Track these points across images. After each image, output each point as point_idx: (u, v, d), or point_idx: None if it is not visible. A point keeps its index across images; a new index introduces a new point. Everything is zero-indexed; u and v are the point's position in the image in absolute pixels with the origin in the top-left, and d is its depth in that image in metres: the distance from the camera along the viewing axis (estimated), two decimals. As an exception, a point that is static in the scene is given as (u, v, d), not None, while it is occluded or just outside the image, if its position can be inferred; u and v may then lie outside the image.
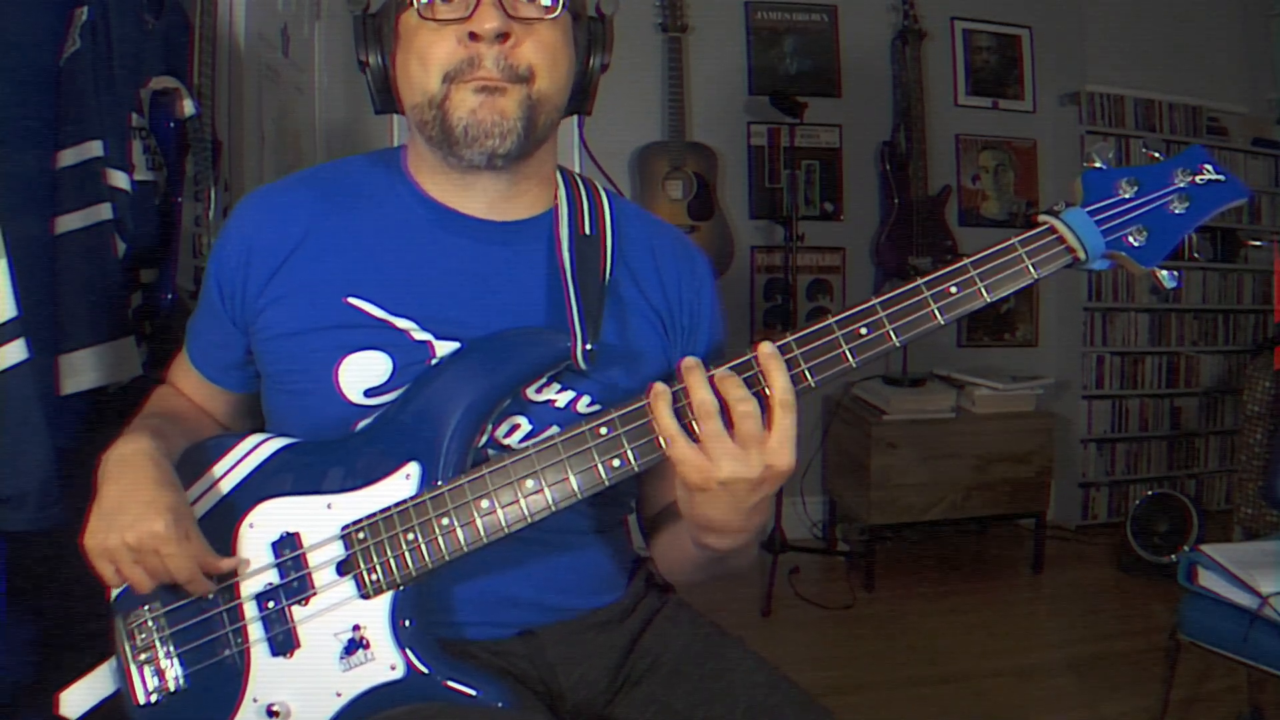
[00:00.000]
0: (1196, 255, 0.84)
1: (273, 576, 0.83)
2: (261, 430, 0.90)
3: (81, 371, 1.21)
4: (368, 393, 0.86)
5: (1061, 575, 3.04)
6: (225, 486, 0.86)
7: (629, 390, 0.89)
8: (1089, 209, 0.80)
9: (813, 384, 0.79)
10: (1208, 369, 3.55)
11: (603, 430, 0.80)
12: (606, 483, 0.80)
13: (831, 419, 3.15)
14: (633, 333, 0.93)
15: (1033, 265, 0.80)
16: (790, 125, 2.96)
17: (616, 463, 0.79)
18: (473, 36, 0.82)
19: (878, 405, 2.96)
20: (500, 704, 0.81)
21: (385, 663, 0.81)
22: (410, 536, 0.81)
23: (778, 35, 3.27)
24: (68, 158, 1.22)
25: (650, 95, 3.12)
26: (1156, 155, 0.82)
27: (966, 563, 3.15)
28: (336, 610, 0.82)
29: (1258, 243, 3.41)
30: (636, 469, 0.80)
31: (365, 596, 0.82)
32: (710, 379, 0.76)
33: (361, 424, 0.87)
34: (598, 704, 0.93)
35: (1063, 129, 3.41)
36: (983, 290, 0.79)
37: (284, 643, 0.82)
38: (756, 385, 0.77)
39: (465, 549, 0.81)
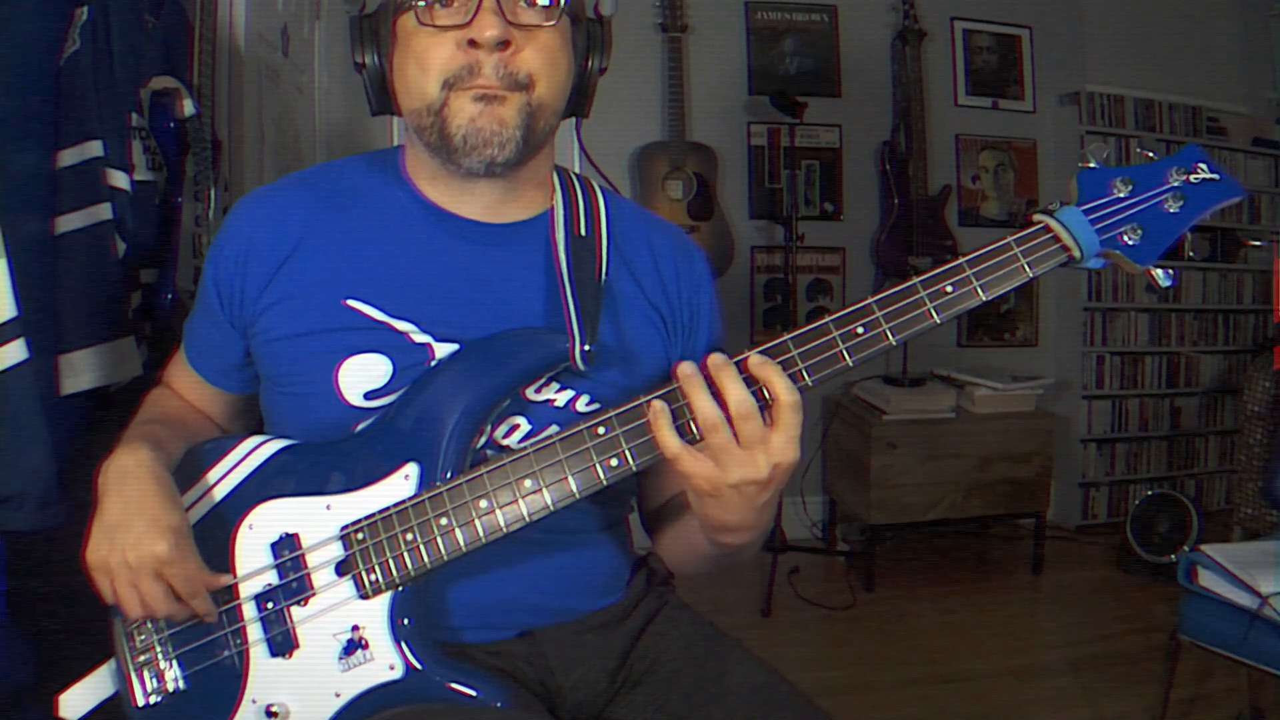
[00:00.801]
0: (1192, 254, 0.83)
1: (272, 577, 0.83)
2: (259, 431, 0.90)
3: (81, 371, 1.21)
4: (368, 395, 0.86)
5: (1061, 575, 3.04)
6: (224, 488, 0.86)
7: (628, 389, 0.89)
8: (1084, 208, 0.81)
9: (810, 383, 0.79)
10: (1208, 369, 3.55)
11: (600, 430, 0.80)
12: (605, 483, 0.80)
13: (831, 419, 3.15)
14: (631, 332, 0.93)
15: (1028, 264, 0.80)
16: (790, 125, 2.96)
17: (615, 462, 0.79)
18: (472, 43, 0.81)
19: (878, 405, 2.96)
20: (499, 704, 0.81)
21: (384, 663, 0.81)
22: (409, 537, 0.81)
23: (778, 35, 3.27)
24: (68, 158, 1.22)
25: (650, 95, 3.12)
26: (1151, 155, 0.82)
27: (966, 563, 3.15)
28: (335, 611, 0.82)
29: (1257, 243, 3.41)
30: (635, 468, 0.80)
31: (364, 597, 0.82)
32: (708, 379, 0.76)
33: (361, 426, 0.87)
34: (597, 705, 0.93)
35: (1063, 129, 3.41)
36: (978, 289, 0.80)
37: (283, 643, 0.82)
38: (753, 385, 0.77)
39: (464, 549, 0.81)
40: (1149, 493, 3.09)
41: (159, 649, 0.84)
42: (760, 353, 0.78)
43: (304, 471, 0.85)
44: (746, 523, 0.80)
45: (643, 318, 0.95)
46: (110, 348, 1.26)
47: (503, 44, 0.82)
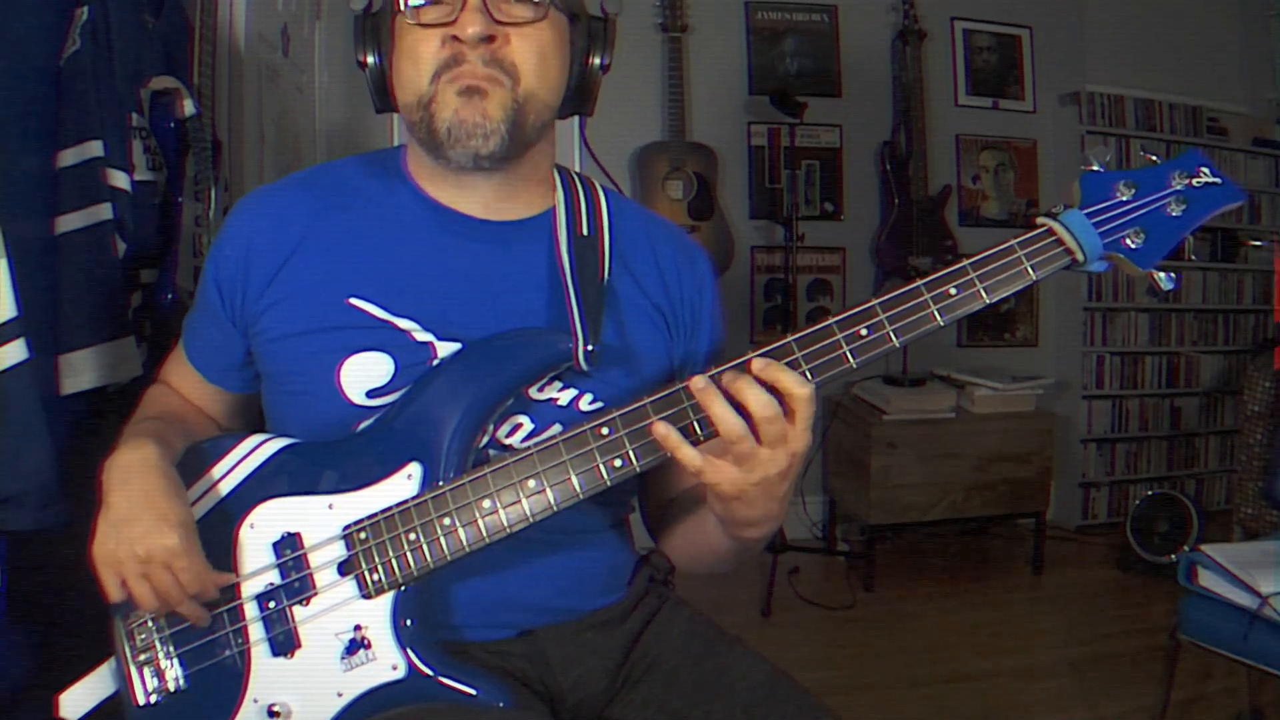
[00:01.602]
0: (1193, 257, 0.84)
1: (273, 577, 0.83)
2: (260, 430, 0.90)
3: (81, 371, 1.21)
4: (370, 394, 0.86)
5: (1061, 575, 3.04)
6: (225, 487, 0.86)
7: (631, 389, 0.89)
8: (1087, 211, 0.81)
9: (813, 384, 0.79)
10: (1208, 369, 3.55)
11: (604, 431, 0.80)
12: (608, 483, 0.80)
13: (831, 419, 3.15)
14: (633, 332, 0.93)
15: (1031, 267, 0.80)
16: (790, 125, 2.96)
17: (618, 463, 0.80)
18: (456, 39, 0.82)
19: (878, 405, 2.96)
20: (500, 704, 0.81)
21: (386, 663, 0.81)
22: (412, 536, 0.81)
23: (778, 35, 3.27)
24: (68, 158, 1.21)
25: (650, 95, 3.12)
26: (1154, 158, 0.83)
27: (966, 563, 3.15)
28: (338, 610, 0.82)
29: (1258, 243, 3.41)
30: (638, 469, 0.80)
31: (367, 596, 0.82)
32: (723, 390, 0.76)
33: (363, 425, 0.87)
34: (597, 704, 0.94)
35: (1063, 129, 3.41)
36: (982, 292, 0.80)
37: (285, 643, 0.82)
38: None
39: (467, 549, 0.81)
40: (1149, 493, 3.09)
41: (160, 648, 0.84)
42: (762, 354, 0.78)
43: (306, 470, 0.85)
44: (770, 514, 0.81)
45: (645, 318, 0.95)
46: (110, 348, 1.26)
47: (488, 39, 0.82)
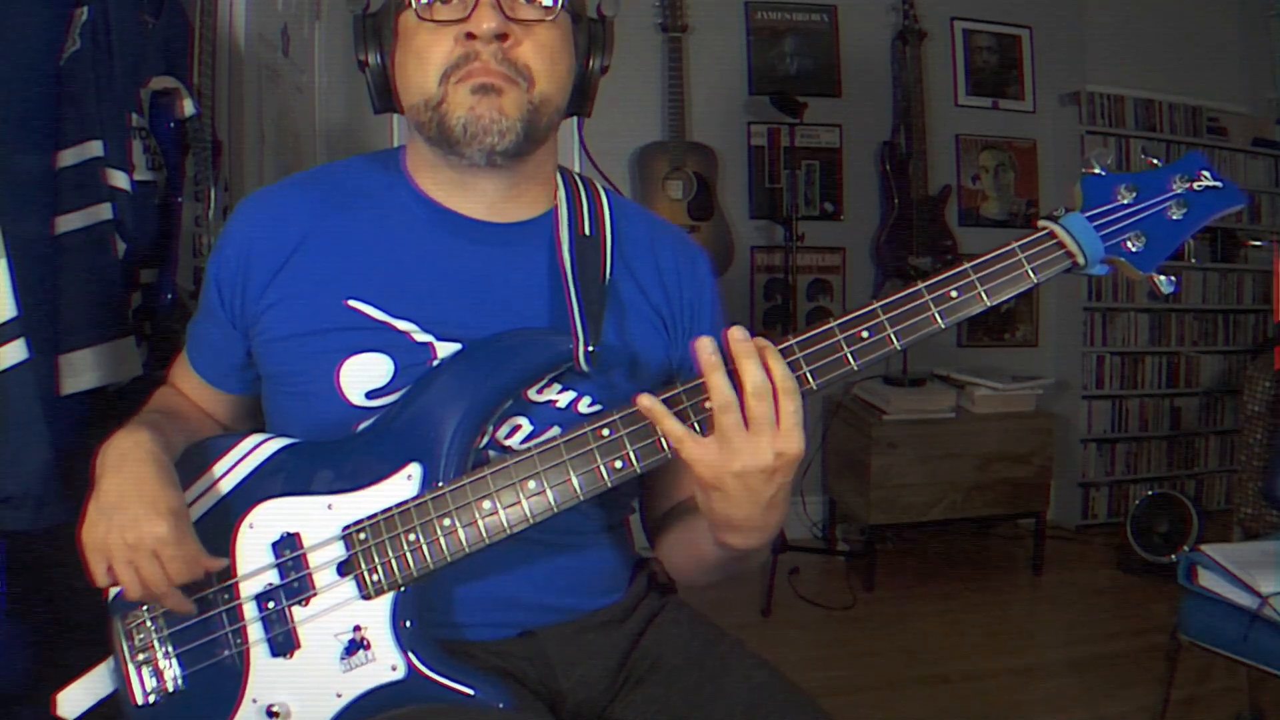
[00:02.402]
0: (1194, 260, 0.84)
1: (273, 577, 0.83)
2: (262, 431, 0.90)
3: (81, 371, 1.21)
4: (369, 394, 0.86)
5: (1061, 575, 3.04)
6: (225, 486, 0.86)
7: (630, 391, 0.89)
8: (1088, 214, 0.81)
9: (814, 386, 0.79)
10: (1208, 369, 3.55)
11: (605, 432, 0.80)
12: (609, 484, 0.80)
13: (831, 419, 3.15)
14: (633, 333, 0.93)
15: (1032, 270, 0.80)
16: (790, 125, 2.96)
17: (619, 464, 0.80)
18: (470, 36, 0.82)
19: (878, 405, 2.96)
20: (500, 704, 0.81)
21: (386, 663, 0.81)
22: (411, 537, 0.81)
23: (778, 35, 3.27)
24: (68, 158, 1.21)
25: (650, 95, 3.12)
26: (1155, 161, 0.83)
27: (966, 563, 3.15)
28: (337, 611, 0.82)
29: (1258, 243, 3.41)
30: (639, 470, 0.80)
31: (366, 597, 0.82)
32: (725, 350, 0.75)
33: (362, 425, 0.87)
34: (598, 705, 0.93)
35: (1063, 129, 3.41)
36: (983, 294, 0.80)
37: (284, 643, 0.82)
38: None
39: (467, 549, 0.81)
40: (1149, 493, 3.09)
41: (158, 647, 0.84)
42: None
43: (305, 471, 0.85)
44: (753, 520, 0.79)
45: (645, 319, 0.95)
46: (110, 348, 1.26)
47: (501, 37, 0.82)
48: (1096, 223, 0.81)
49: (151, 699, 0.84)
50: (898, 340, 0.79)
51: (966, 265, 0.80)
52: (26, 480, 1.08)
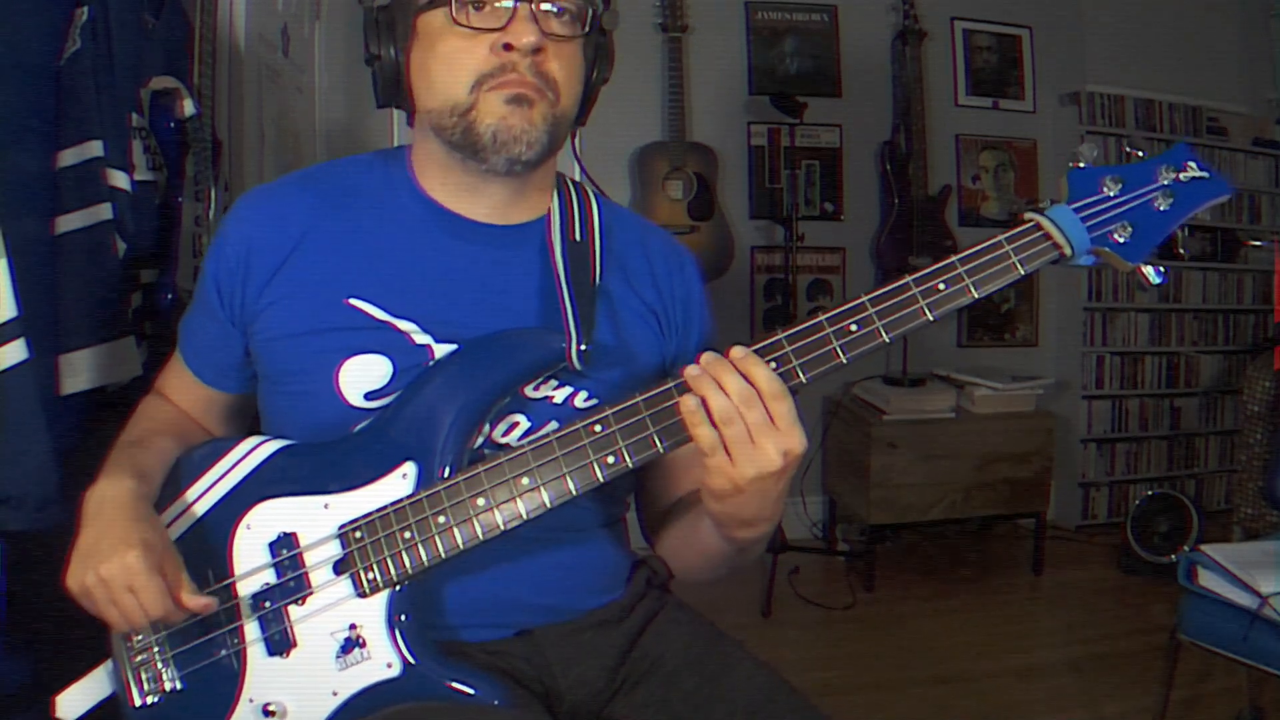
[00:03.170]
0: (1183, 251, 0.84)
1: (269, 576, 0.83)
2: (256, 432, 0.90)
3: (81, 371, 1.22)
4: (368, 395, 0.87)
5: (1061, 575, 3.03)
6: (222, 489, 0.87)
7: (625, 387, 0.90)
8: (1074, 206, 0.82)
9: (804, 380, 0.79)
10: (1208, 369, 3.54)
11: (597, 428, 0.80)
12: (602, 480, 0.80)
13: (831, 419, 3.15)
14: (627, 331, 0.94)
15: (1019, 261, 0.81)
16: (790, 125, 2.96)
17: (611, 460, 0.80)
18: (507, 47, 0.83)
19: (878, 405, 2.96)
20: (496, 702, 0.81)
21: (382, 661, 0.81)
22: (407, 535, 0.81)
23: (778, 35, 3.27)
24: (68, 158, 1.22)
25: (650, 95, 3.12)
26: (1140, 153, 0.83)
27: (966, 563, 3.15)
28: (333, 609, 0.82)
29: (1258, 243, 3.41)
30: (631, 465, 0.80)
31: (362, 595, 0.82)
32: (716, 381, 0.76)
33: (359, 426, 0.87)
34: (596, 704, 0.93)
35: (1063, 129, 3.40)
36: (970, 287, 0.80)
37: (280, 642, 0.82)
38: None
39: (462, 547, 0.81)
40: (1149, 493, 3.08)
41: (156, 649, 0.85)
42: (754, 350, 0.78)
43: (302, 471, 0.85)
44: (762, 514, 0.81)
45: (638, 317, 0.96)
46: (110, 348, 1.26)
47: (535, 50, 0.83)
48: (1082, 214, 0.81)
49: (149, 700, 0.84)
50: (886, 333, 0.80)
51: (954, 258, 0.81)
52: (26, 480, 1.08)
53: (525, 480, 0.81)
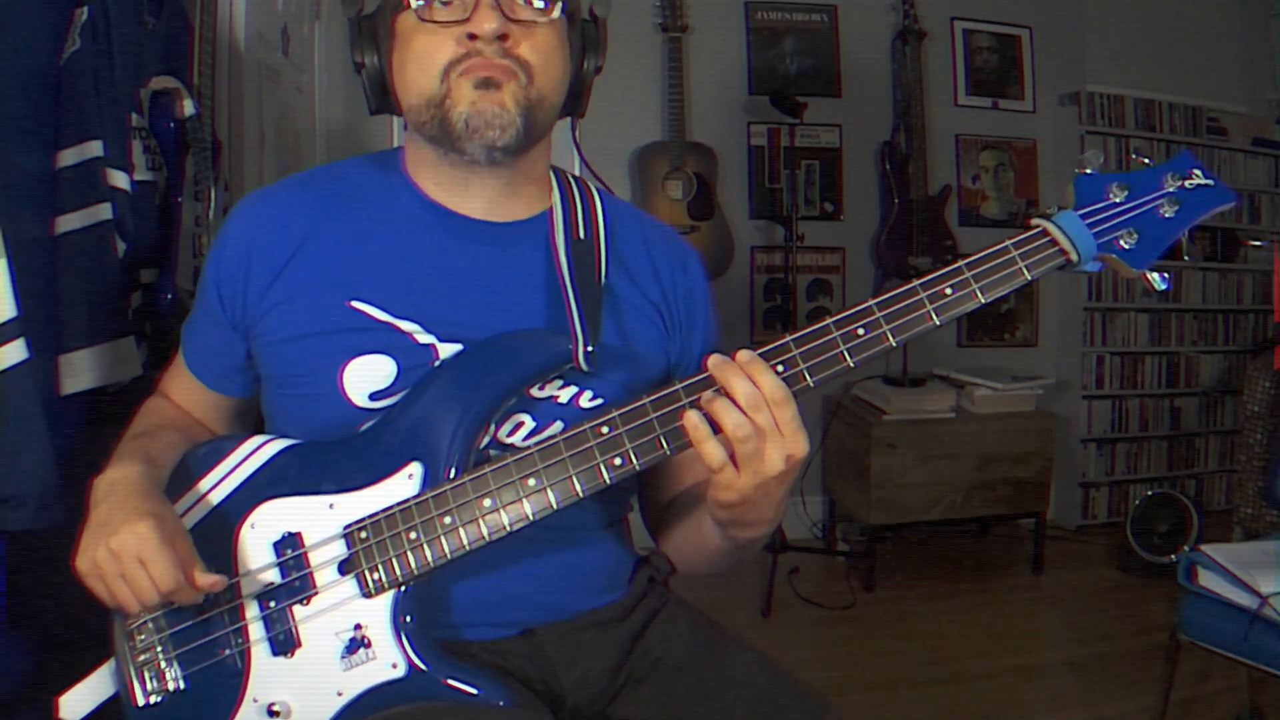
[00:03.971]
0: (1186, 258, 0.85)
1: (274, 576, 0.83)
2: (262, 433, 0.90)
3: (81, 371, 1.21)
4: (373, 396, 0.86)
5: (1061, 575, 3.04)
6: (227, 488, 0.86)
7: (631, 387, 0.90)
8: (1081, 212, 0.82)
9: (811, 384, 0.80)
10: (1208, 369, 3.55)
11: (604, 430, 0.80)
12: (608, 482, 0.80)
13: (831, 419, 3.15)
14: (631, 331, 0.94)
15: (1026, 267, 0.81)
16: (790, 125, 2.96)
17: (618, 461, 0.80)
18: (472, 37, 0.83)
19: (878, 405, 2.96)
20: (501, 703, 0.81)
21: (386, 661, 0.81)
22: (412, 535, 0.81)
23: (778, 35, 3.27)
24: (68, 158, 1.21)
25: (650, 95, 3.12)
26: (1146, 161, 0.84)
27: (966, 563, 3.15)
28: (338, 609, 0.82)
29: (1258, 243, 3.41)
30: (638, 468, 0.80)
31: (367, 596, 0.82)
32: (722, 391, 0.77)
33: (364, 426, 0.87)
34: (599, 703, 0.93)
35: (1063, 129, 3.41)
36: (977, 292, 0.81)
37: (285, 642, 0.82)
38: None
39: (467, 548, 0.81)
40: (1149, 493, 3.08)
41: (159, 648, 0.84)
42: (761, 354, 0.79)
43: (307, 471, 0.85)
44: (765, 516, 0.82)
45: (642, 316, 0.96)
46: (110, 348, 1.26)
47: (501, 37, 0.83)
48: (1089, 221, 0.82)
49: (153, 700, 0.84)
50: (894, 338, 0.80)
51: (961, 263, 0.81)
52: (26, 480, 1.08)
53: (532, 481, 0.81)
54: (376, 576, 0.81)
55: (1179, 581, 1.75)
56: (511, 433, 0.88)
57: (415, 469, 0.83)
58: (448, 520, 0.81)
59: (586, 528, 0.94)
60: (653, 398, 0.80)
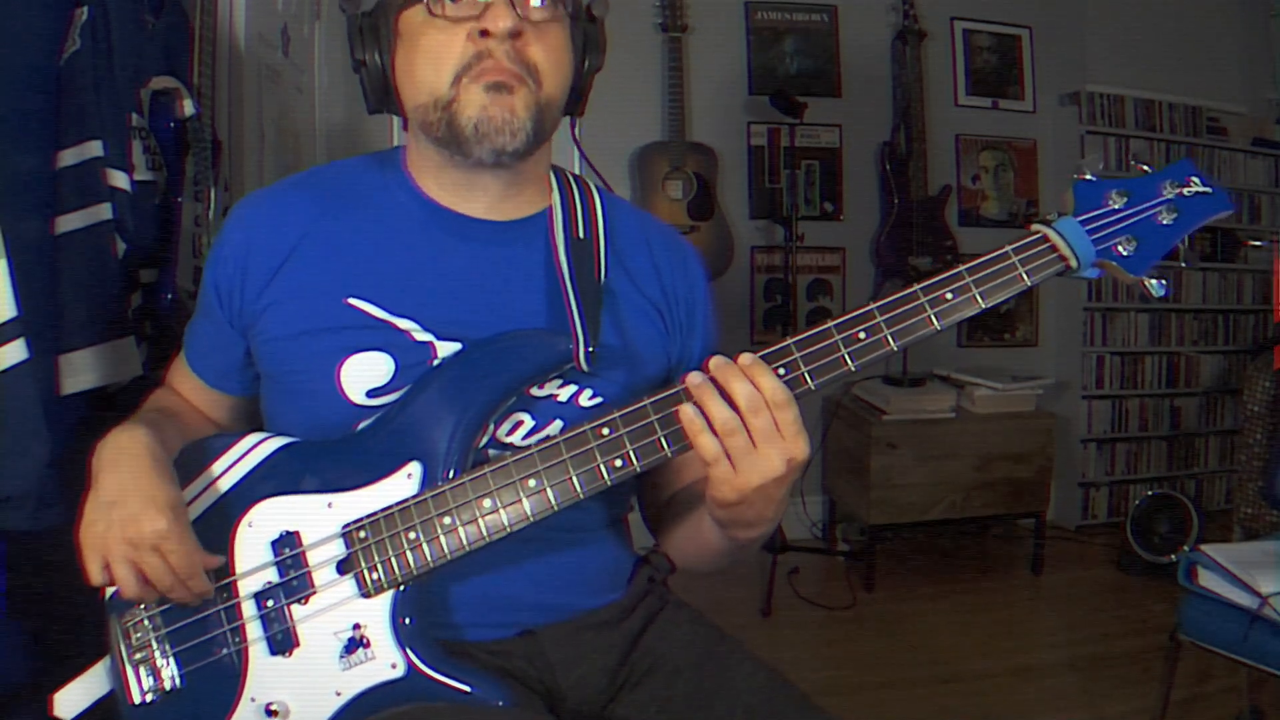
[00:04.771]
0: (1184, 264, 0.86)
1: (272, 575, 0.83)
2: (260, 430, 0.90)
3: (81, 371, 1.21)
4: (370, 393, 0.86)
5: (1061, 575, 3.04)
6: (224, 485, 0.86)
7: (631, 387, 0.90)
8: (1080, 218, 0.83)
9: (812, 386, 0.80)
10: (1208, 369, 3.55)
11: (605, 431, 0.80)
12: (609, 483, 0.80)
13: (831, 419, 3.15)
14: (631, 331, 0.94)
15: (1026, 273, 0.82)
16: (790, 125, 2.97)
17: (618, 462, 0.80)
18: (484, 34, 0.82)
19: (878, 405, 2.96)
20: (500, 703, 0.81)
21: (385, 661, 0.81)
22: (411, 535, 0.81)
23: (778, 35, 3.27)
24: (68, 158, 1.21)
25: (650, 95, 3.12)
26: (1145, 167, 0.85)
27: (966, 563, 3.15)
28: (336, 609, 0.82)
29: (1258, 243, 3.41)
30: (639, 469, 0.80)
31: (366, 595, 0.82)
32: (717, 385, 0.77)
33: (363, 424, 0.87)
34: (598, 704, 0.93)
35: (1063, 129, 3.41)
36: (978, 297, 0.81)
37: (283, 642, 0.82)
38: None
39: (467, 548, 0.81)
40: (1149, 493, 3.09)
41: (155, 646, 0.84)
42: (762, 356, 0.79)
43: (305, 469, 0.85)
44: (764, 517, 0.82)
45: (642, 316, 0.96)
46: (110, 348, 1.26)
47: (514, 35, 0.83)
48: (1088, 227, 0.83)
49: (148, 698, 0.84)
50: (894, 341, 0.81)
51: (961, 268, 0.82)
52: (26, 480, 1.08)
53: (532, 482, 0.81)
54: (375, 576, 0.81)
55: (1179, 581, 1.75)
56: (511, 431, 0.88)
57: (414, 468, 0.83)
58: (447, 520, 0.81)
59: (586, 528, 0.94)
60: (653, 399, 0.80)
